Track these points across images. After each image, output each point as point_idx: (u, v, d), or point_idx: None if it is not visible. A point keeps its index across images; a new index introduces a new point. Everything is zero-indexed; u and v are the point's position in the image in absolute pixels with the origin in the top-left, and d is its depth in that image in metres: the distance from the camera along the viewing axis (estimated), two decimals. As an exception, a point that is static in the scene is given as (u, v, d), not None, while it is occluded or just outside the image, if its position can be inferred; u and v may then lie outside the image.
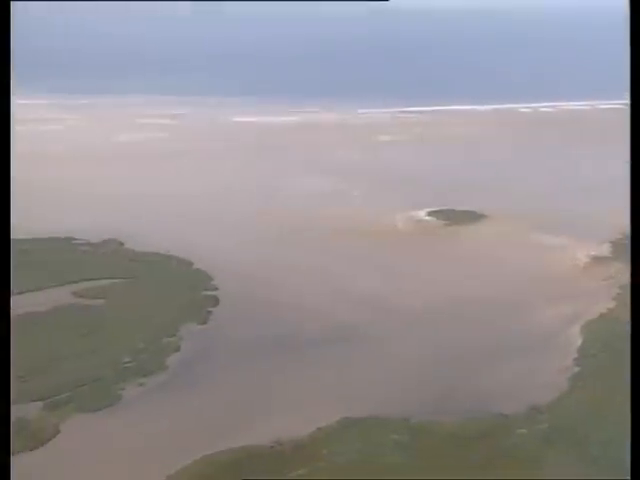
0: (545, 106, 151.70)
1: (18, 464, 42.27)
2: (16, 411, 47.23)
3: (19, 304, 61.41)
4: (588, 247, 73.60)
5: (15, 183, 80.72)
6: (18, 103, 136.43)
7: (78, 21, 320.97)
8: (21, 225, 76.81)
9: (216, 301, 63.68)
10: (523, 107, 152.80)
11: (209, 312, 61.75)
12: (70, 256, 72.08)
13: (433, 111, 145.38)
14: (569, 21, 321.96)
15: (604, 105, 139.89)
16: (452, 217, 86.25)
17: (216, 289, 65.89)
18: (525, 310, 62.15)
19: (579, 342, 56.24)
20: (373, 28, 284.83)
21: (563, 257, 73.25)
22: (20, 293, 63.28)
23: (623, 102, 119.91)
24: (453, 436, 45.68)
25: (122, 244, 75.33)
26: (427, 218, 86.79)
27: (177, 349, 55.59)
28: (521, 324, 59.99)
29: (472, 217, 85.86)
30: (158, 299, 63.82)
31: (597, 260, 71.32)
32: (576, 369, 52.34)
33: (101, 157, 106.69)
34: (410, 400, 49.40)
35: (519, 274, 69.90)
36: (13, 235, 72.71)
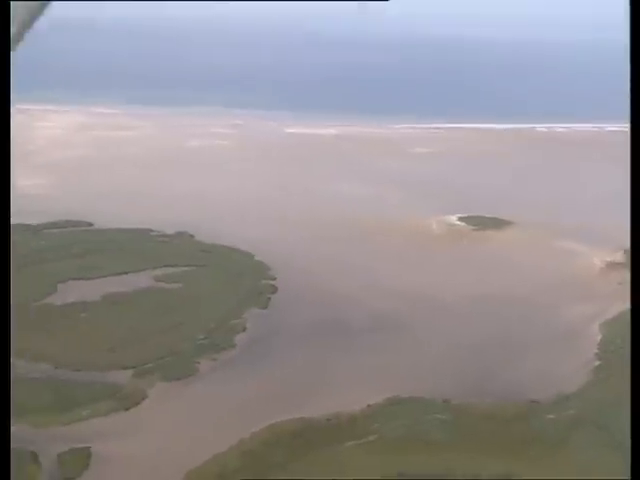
0: (559, 127, 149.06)
1: (114, 422, 43.37)
2: (109, 377, 48.20)
3: (108, 286, 62.45)
4: (603, 254, 72.24)
5: (100, 181, 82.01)
6: (100, 112, 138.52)
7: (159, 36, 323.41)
8: (108, 217, 78.33)
9: (274, 289, 63.60)
10: (540, 127, 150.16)
11: (269, 298, 61.76)
12: (149, 245, 72.48)
13: (460, 128, 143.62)
14: (581, 52, 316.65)
15: (612, 127, 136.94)
16: (480, 222, 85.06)
17: (274, 278, 65.73)
18: (549, 308, 61.19)
19: (599, 338, 55.36)
20: (406, 55, 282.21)
21: (581, 262, 72.07)
22: (108, 276, 64.30)
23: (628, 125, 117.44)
24: (489, 417, 45.21)
25: (193, 236, 75.40)
26: (458, 222, 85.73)
27: (243, 329, 55.82)
28: (546, 320, 59.11)
29: (498, 223, 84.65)
30: (225, 285, 63.95)
31: (612, 265, 69.86)
32: (597, 362, 51.57)
33: (173, 160, 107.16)
34: (449, 384, 48.94)
35: (541, 275, 68.83)
36: (104, 225, 75.33)
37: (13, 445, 34.37)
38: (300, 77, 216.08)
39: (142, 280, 63.85)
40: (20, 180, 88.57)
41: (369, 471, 39.77)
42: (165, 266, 67.14)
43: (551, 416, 45.28)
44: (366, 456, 41.14)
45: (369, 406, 45.72)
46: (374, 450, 41.79)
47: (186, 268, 67.26)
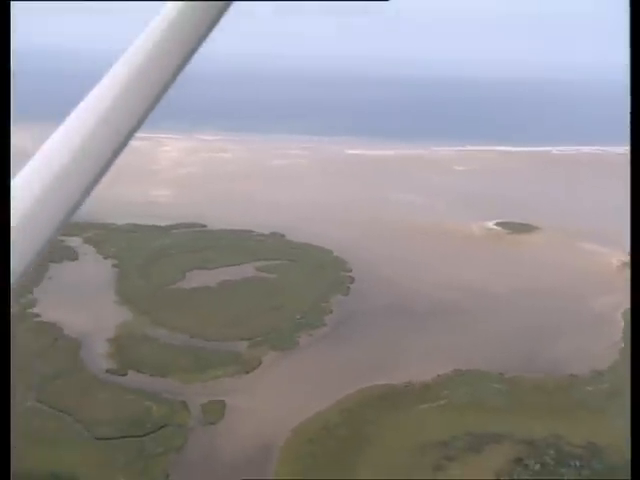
0: (570, 149, 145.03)
1: (239, 382, 43.95)
2: (231, 347, 48.86)
3: (222, 274, 63.21)
4: (619, 254, 69.73)
5: (209, 192, 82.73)
6: (201, 138, 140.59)
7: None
8: (217, 220, 79.48)
9: (352, 279, 63.18)
10: (553, 149, 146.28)
11: (348, 287, 61.37)
12: (250, 243, 72.93)
13: (488, 150, 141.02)
14: (582, 89, 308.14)
15: (614, 150, 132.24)
16: (513, 227, 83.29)
17: (350, 271, 65.39)
18: (578, 298, 59.50)
19: (622, 325, 53.52)
20: (435, 92, 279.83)
21: (600, 261, 69.96)
22: (221, 267, 65.04)
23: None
24: (536, 388, 44.32)
25: (283, 236, 75.61)
26: (495, 227, 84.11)
27: (330, 312, 55.69)
28: (576, 308, 57.53)
29: (528, 228, 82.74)
30: (312, 276, 63.80)
31: (627, 264, 67.53)
32: (623, 344, 49.80)
33: (260, 176, 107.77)
34: (501, 359, 48.13)
35: (569, 271, 66.95)
36: (215, 227, 76.55)
37: (167, 396, 35.35)
38: (352, 109, 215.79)
39: (247, 270, 64.36)
40: (150, 191, 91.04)
41: (442, 429, 39.50)
42: (263, 260, 67.46)
43: (589, 388, 44.14)
44: (439, 416, 40.89)
45: (439, 376, 45.42)
46: (445, 412, 41.48)
47: (279, 261, 67.45)
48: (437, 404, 42.21)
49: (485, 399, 42.73)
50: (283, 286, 61.06)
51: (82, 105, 4.08)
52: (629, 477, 3.25)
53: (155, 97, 3.99)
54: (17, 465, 27.16)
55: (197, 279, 61.54)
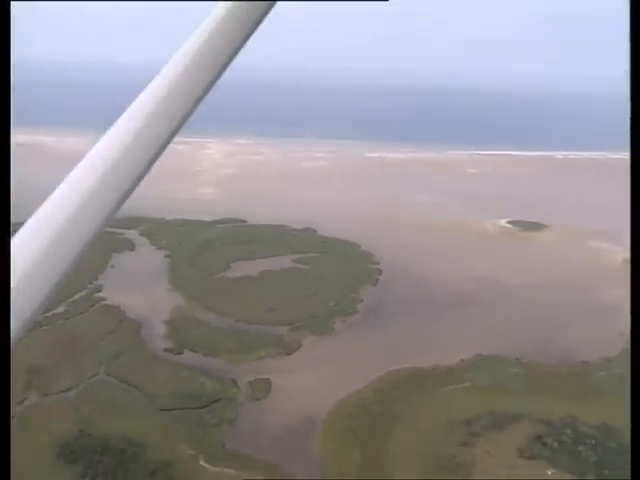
0: (572, 154, 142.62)
1: (281, 362, 44.08)
2: (273, 330, 48.95)
3: (262, 265, 63.26)
4: (624, 251, 68.35)
5: (247, 190, 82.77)
6: (237, 142, 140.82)
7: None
8: (255, 216, 79.64)
9: (380, 271, 62.78)
10: (557, 154, 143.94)
11: (377, 278, 60.98)
12: (286, 237, 72.97)
13: (497, 154, 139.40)
14: (582, 99, 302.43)
15: (613, 155, 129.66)
16: (524, 225, 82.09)
17: (378, 263, 65.04)
18: (587, 291, 58.59)
19: (629, 315, 52.41)
20: (448, 101, 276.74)
21: (607, 257, 68.58)
22: (261, 258, 65.21)
23: None
24: (552, 373, 43.71)
25: (315, 231, 75.44)
26: (507, 225, 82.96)
27: (361, 300, 55.45)
28: (586, 300, 56.57)
29: (538, 226, 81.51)
30: (342, 267, 63.61)
31: (632, 261, 66.19)
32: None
33: (290, 177, 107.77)
34: (517, 346, 47.56)
35: (577, 266, 65.82)
36: (254, 222, 76.75)
37: (218, 373, 35.52)
38: (370, 116, 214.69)
39: (284, 262, 64.42)
40: (195, 190, 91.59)
41: (467, 409, 39.21)
42: (298, 252, 67.43)
43: (601, 374, 43.44)
44: (464, 397, 40.57)
45: (462, 360, 45.00)
46: (469, 393, 41.14)
47: (312, 254, 67.36)
48: (462, 386, 41.87)
49: (505, 382, 42.28)
50: (317, 276, 61.03)
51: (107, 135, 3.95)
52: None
53: (198, 98, 3.62)
54: (94, 431, 27.61)
55: (240, 269, 61.81)
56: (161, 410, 37.58)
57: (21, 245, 3.15)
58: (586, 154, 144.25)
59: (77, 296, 52.57)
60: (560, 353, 46.33)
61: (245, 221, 78.28)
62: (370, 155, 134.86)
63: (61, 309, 49.81)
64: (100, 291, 54.33)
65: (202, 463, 32.81)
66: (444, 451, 35.09)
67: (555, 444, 36.15)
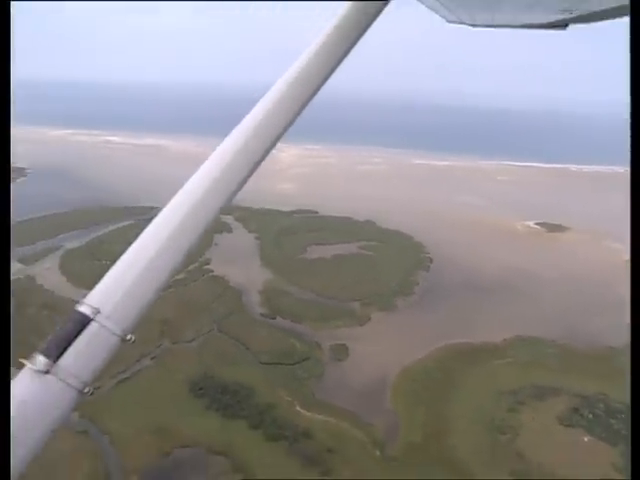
0: (585, 167, 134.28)
1: (355, 332, 44.11)
2: (346, 305, 49.00)
3: (333, 250, 63.17)
4: None
5: (316, 186, 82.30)
6: (309, 148, 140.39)
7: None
8: (325, 208, 79.61)
9: (431, 260, 61.62)
10: (572, 167, 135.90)
11: (428, 265, 60.01)
12: (351, 227, 72.69)
13: (520, 165, 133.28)
14: (596, 118, 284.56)
15: (621, 169, 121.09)
16: (549, 227, 78.49)
17: (428, 253, 63.88)
18: (606, 284, 55.49)
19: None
20: (481, 119, 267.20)
21: (620, 255, 64.34)
22: (332, 244, 65.06)
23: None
24: (583, 355, 41.95)
25: (374, 223, 74.82)
26: (534, 226, 79.66)
27: (417, 283, 54.69)
28: (607, 292, 53.65)
29: (561, 228, 77.77)
30: (399, 255, 62.83)
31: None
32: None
33: (351, 177, 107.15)
34: (551, 330, 45.86)
35: (598, 263, 62.54)
36: (324, 213, 76.90)
37: (304, 337, 35.72)
38: (414, 129, 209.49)
39: (351, 248, 64.28)
40: (274, 185, 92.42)
41: (512, 381, 38.29)
42: (362, 240, 67.13)
43: (626, 358, 41.26)
44: (508, 371, 39.61)
45: (505, 340, 43.86)
46: (513, 367, 40.08)
47: (373, 243, 66.81)
48: (506, 361, 40.88)
49: (543, 360, 41.01)
50: (379, 261, 60.67)
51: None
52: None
53: (315, 89, 3.48)
54: (214, 374, 28.48)
55: (315, 252, 62.22)
56: (261, 363, 38.57)
57: (154, 231, 3.31)
58: (596, 167, 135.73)
59: (191, 267, 54.38)
60: (588, 338, 44.37)
61: (316, 212, 78.35)
62: (416, 162, 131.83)
63: (181, 276, 51.70)
64: (208, 264, 56.00)
65: (298, 408, 33.57)
66: (494, 415, 34.48)
67: (590, 416, 34.89)
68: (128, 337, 3.12)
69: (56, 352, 2.92)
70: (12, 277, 51.32)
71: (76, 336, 2.97)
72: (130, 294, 3.15)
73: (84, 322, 3.01)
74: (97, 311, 3.05)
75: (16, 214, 68.94)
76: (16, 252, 57.11)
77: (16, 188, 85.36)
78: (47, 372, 2.87)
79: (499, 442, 31.95)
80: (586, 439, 33.03)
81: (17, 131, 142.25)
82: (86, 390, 2.96)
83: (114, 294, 3.13)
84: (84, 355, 2.97)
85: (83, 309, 3.06)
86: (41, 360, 2.88)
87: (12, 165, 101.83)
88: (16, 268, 53.34)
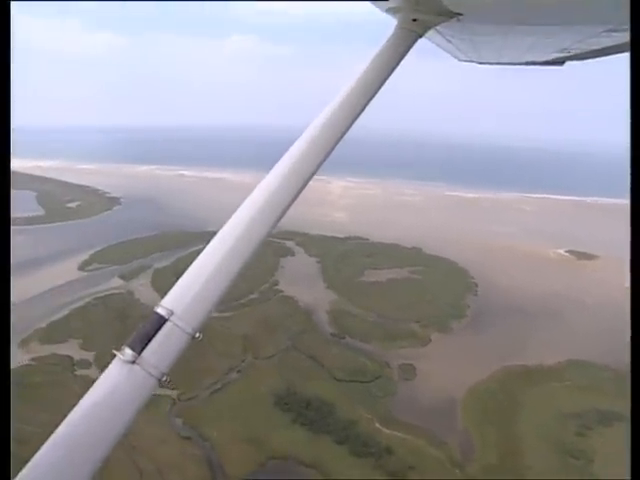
0: (601, 200, 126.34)
1: (418, 352, 42.43)
2: (406, 326, 47.42)
3: (387, 274, 61.55)
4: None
5: (364, 215, 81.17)
6: (353, 181, 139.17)
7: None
8: (374, 235, 78.48)
9: (476, 285, 59.29)
10: (587, 199, 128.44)
11: (475, 290, 57.73)
12: (399, 253, 71.11)
13: (539, 197, 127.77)
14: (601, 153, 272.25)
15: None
16: (577, 255, 74.28)
17: (473, 278, 61.59)
18: None
19: None
20: (499, 155, 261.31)
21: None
22: (384, 268, 63.44)
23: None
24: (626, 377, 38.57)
25: (420, 249, 73.06)
26: (564, 253, 75.74)
27: (468, 307, 52.52)
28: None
29: (589, 256, 73.38)
30: (447, 280, 60.73)
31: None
32: None
33: (391, 207, 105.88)
34: (600, 354, 42.32)
35: (624, 289, 58.10)
36: (374, 240, 75.87)
37: (373, 356, 34.40)
38: (441, 164, 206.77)
39: (403, 272, 62.85)
40: (326, 214, 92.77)
41: (573, 404, 35.72)
42: (411, 265, 65.64)
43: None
44: (568, 394, 37.08)
45: (559, 362, 41.21)
46: (571, 390, 37.53)
47: (421, 268, 65.15)
48: (564, 384, 38.29)
49: (600, 384, 38.03)
50: (429, 285, 58.98)
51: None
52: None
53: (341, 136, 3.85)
54: (297, 390, 27.61)
55: (371, 276, 61.27)
56: (337, 380, 37.69)
57: (216, 246, 3.55)
58: (612, 200, 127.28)
59: (263, 287, 54.71)
60: (627, 359, 40.69)
61: (367, 239, 77.46)
62: (447, 193, 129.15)
63: (255, 296, 52.04)
64: (277, 285, 56.16)
65: (377, 425, 32.35)
66: (563, 438, 32.04)
67: (659, 445, 31.63)
68: (197, 335, 3.33)
69: (140, 346, 3.19)
70: (115, 291, 53.35)
71: (155, 333, 3.23)
72: (198, 299, 3.46)
73: (161, 322, 3.28)
74: (171, 312, 3.34)
75: (115, 236, 72.90)
76: (116, 270, 59.64)
77: (112, 215, 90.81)
78: (133, 362, 3.15)
79: (574, 466, 29.47)
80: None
81: (113, 167, 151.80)
82: (163, 379, 3.21)
83: (185, 298, 3.45)
84: (161, 350, 3.23)
85: (160, 310, 3.36)
86: (128, 352, 3.17)
87: (109, 195, 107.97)
88: (118, 284, 55.66)
